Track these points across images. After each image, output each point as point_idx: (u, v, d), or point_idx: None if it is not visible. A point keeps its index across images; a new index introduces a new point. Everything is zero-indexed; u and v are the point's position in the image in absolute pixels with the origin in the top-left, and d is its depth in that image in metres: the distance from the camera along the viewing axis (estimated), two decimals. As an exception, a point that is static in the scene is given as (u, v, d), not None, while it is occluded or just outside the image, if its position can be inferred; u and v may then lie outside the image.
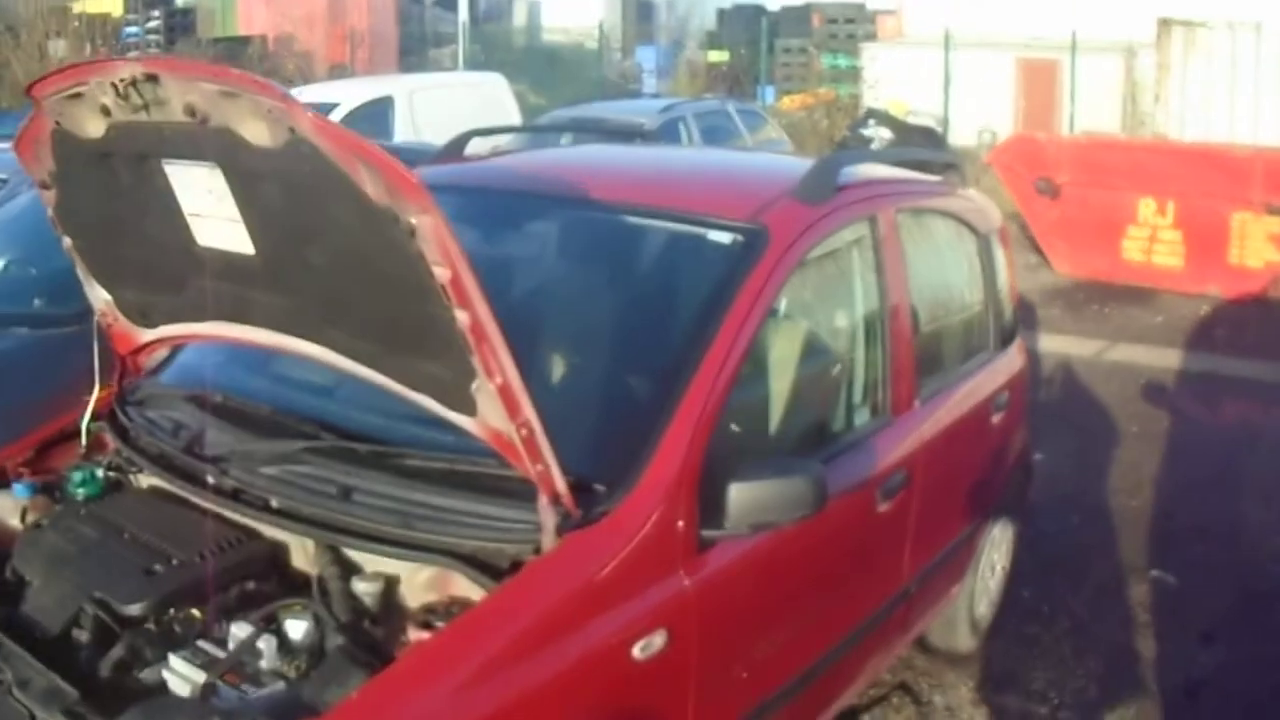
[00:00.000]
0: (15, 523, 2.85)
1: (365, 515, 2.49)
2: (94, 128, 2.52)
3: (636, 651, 2.43)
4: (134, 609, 2.42)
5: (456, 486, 2.48)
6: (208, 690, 2.20)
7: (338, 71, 23.69)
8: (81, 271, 3.02)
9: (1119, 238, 10.73)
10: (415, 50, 27.55)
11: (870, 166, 4.11)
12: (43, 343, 4.43)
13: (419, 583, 2.46)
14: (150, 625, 2.40)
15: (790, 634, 3.02)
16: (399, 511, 2.47)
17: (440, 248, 2.13)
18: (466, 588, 2.39)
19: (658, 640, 2.47)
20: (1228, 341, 8.95)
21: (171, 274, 2.78)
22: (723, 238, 3.09)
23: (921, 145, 13.42)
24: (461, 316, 2.18)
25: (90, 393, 3.11)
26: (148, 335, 3.08)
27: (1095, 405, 7.31)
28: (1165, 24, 12.83)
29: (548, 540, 2.34)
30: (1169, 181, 10.38)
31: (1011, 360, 4.43)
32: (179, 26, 26.19)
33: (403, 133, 10.89)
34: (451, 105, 10.93)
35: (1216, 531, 5.29)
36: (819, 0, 29.24)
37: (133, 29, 25.83)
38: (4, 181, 6.16)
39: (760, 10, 36.31)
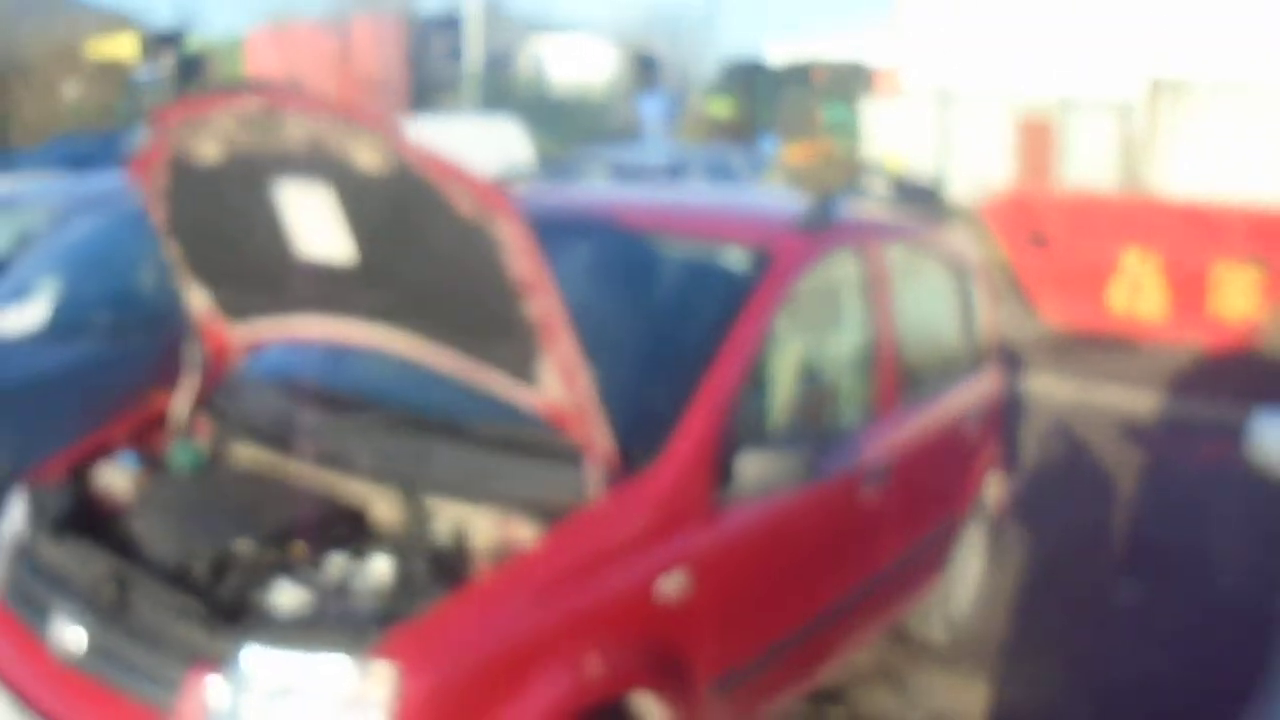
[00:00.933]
0: (124, 487, 3.30)
1: (440, 473, 2.97)
2: (212, 151, 2.98)
3: (664, 587, 2.92)
4: (245, 546, 2.88)
5: (514, 450, 2.97)
6: (318, 603, 2.65)
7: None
8: (182, 276, 3.47)
9: (1104, 288, 11.12)
10: (424, 97, 28.12)
11: (864, 207, 4.59)
12: (106, 352, 4.90)
13: (484, 527, 2.92)
14: (259, 559, 2.85)
15: (787, 595, 3.48)
16: (467, 470, 2.96)
17: (518, 252, 2.61)
18: (524, 531, 2.86)
19: (680, 579, 2.96)
20: (1204, 387, 9.34)
21: (270, 277, 3.24)
22: (735, 259, 3.65)
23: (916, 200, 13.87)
24: (534, 308, 2.67)
25: (181, 383, 3.59)
26: (239, 331, 3.54)
27: (1075, 440, 7.71)
28: (1156, 84, 13.33)
29: (593, 493, 2.83)
30: (1153, 234, 10.80)
31: (986, 382, 4.92)
32: (191, 71, 26.72)
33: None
34: (465, 143, 11.48)
35: (1182, 556, 5.69)
36: (820, 55, 30.16)
37: (145, 72, 26.38)
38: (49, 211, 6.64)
39: (760, 64, 37.22)
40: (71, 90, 25.69)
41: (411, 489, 3.00)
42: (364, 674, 2.41)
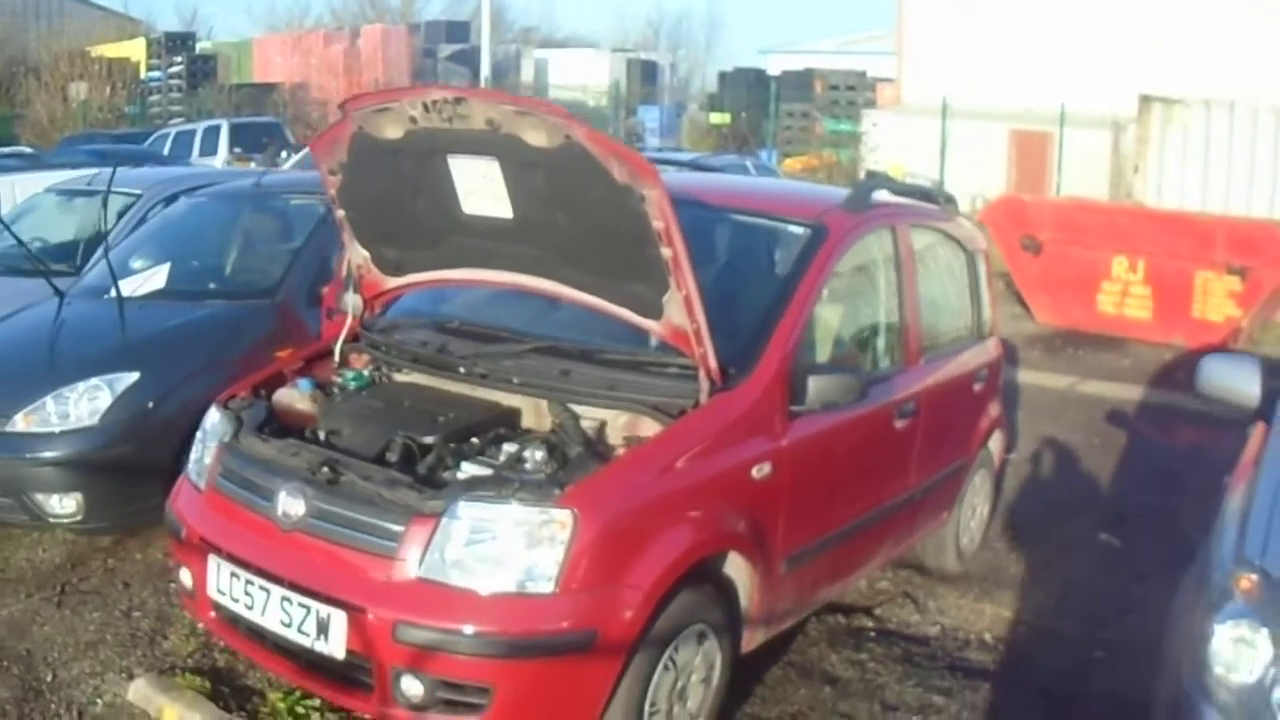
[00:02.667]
0: (304, 407, 4.07)
1: (582, 385, 3.77)
2: (393, 131, 3.77)
3: (754, 473, 3.76)
4: (430, 439, 3.66)
5: (639, 368, 3.82)
6: (501, 470, 3.47)
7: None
8: (347, 236, 4.26)
9: (1094, 291, 11.84)
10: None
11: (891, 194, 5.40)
12: (232, 310, 5.70)
13: (619, 425, 3.77)
14: (443, 449, 3.62)
15: (839, 494, 4.31)
16: (602, 382, 3.77)
17: (659, 209, 3.40)
18: (649, 427, 3.66)
19: (766, 468, 3.79)
20: (1185, 382, 9.96)
21: (431, 235, 4.04)
22: (799, 230, 4.46)
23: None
24: (667, 252, 3.48)
25: (346, 319, 4.40)
26: (392, 282, 4.35)
27: (1066, 424, 8.43)
28: (1146, 100, 14.04)
29: (703, 398, 3.64)
30: (1140, 242, 11.52)
31: (990, 348, 5.73)
32: (200, 72, 27.32)
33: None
34: None
35: (1156, 515, 6.39)
36: (820, 66, 30.73)
37: (155, 74, 26.98)
38: (138, 196, 7.40)
39: (761, 74, 37.84)
40: (80, 90, 26.29)
41: (561, 397, 3.79)
42: (549, 518, 3.20)
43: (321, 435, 3.87)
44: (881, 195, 5.01)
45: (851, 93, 26.76)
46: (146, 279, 5.80)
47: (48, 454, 4.86)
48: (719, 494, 3.66)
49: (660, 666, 3.46)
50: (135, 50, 27.78)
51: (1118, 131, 18.13)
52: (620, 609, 3.27)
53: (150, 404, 5.01)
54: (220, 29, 37.79)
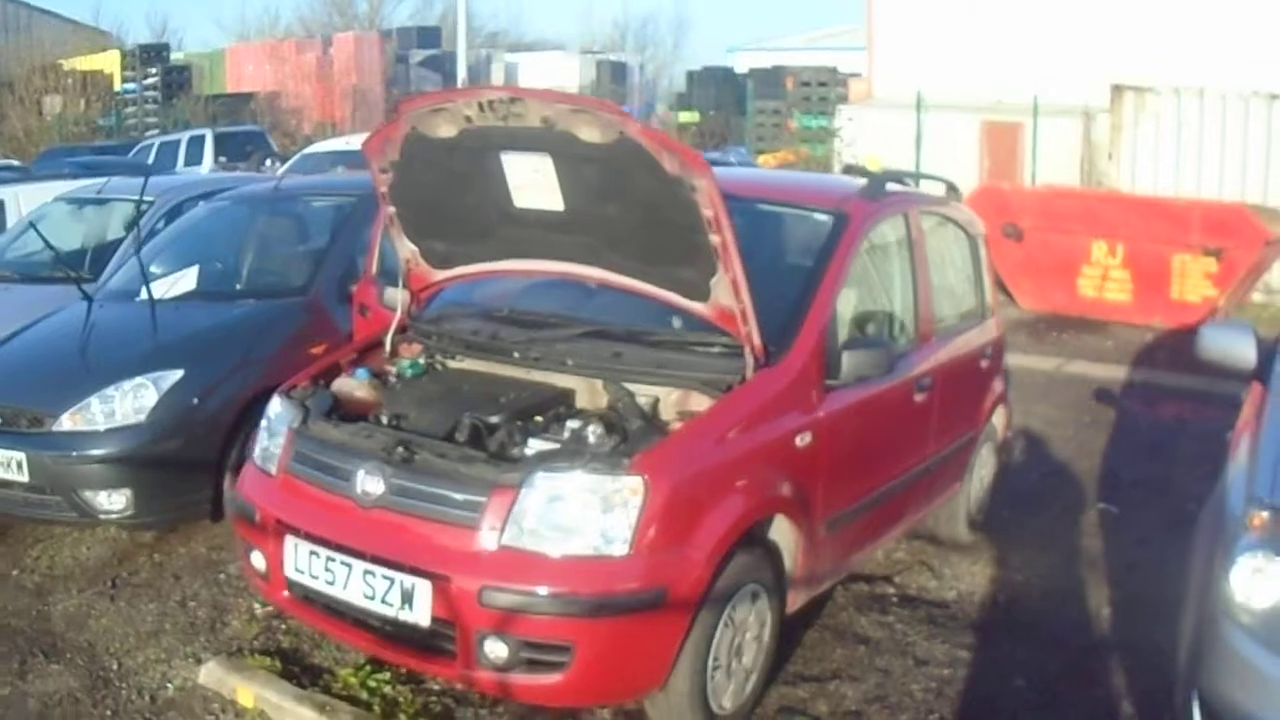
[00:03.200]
0: (363, 394, 4.26)
1: (635, 365, 4.00)
2: (447, 130, 3.96)
3: (797, 442, 4.01)
4: (496, 418, 3.87)
5: (687, 348, 4.06)
6: (568, 445, 3.70)
7: (324, 129, 24.89)
8: (396, 232, 4.45)
9: (1075, 276, 12.13)
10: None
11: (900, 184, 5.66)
12: (265, 309, 5.87)
13: (670, 401, 4.00)
14: (511, 426, 3.83)
15: (870, 462, 4.56)
16: (653, 362, 3.99)
17: (710, 197, 3.62)
18: (700, 402, 3.90)
19: (807, 438, 4.03)
20: (1166, 360, 10.36)
21: (481, 228, 4.24)
22: (823, 218, 4.70)
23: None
24: (715, 238, 3.69)
25: (394, 315, 4.61)
26: (440, 275, 4.55)
27: (1056, 403, 8.70)
28: (1118, 89, 14.31)
29: (749, 374, 3.86)
30: (1119, 227, 11.84)
31: (991, 327, 5.98)
32: (175, 83, 27.21)
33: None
34: None
35: (1150, 483, 6.67)
36: (788, 63, 31.02)
37: (131, 86, 26.91)
38: (151, 202, 7.56)
39: (729, 72, 38.12)
40: (55, 104, 26.22)
41: (615, 376, 4.01)
42: (621, 485, 3.43)
43: (384, 420, 4.06)
44: (895, 184, 5.28)
45: (823, 89, 27.00)
46: (176, 281, 5.95)
47: (97, 451, 5.01)
48: (768, 462, 3.90)
49: (721, 623, 3.69)
50: (109, 63, 27.69)
51: (1088, 121, 18.41)
52: (687, 569, 3.50)
53: (194, 400, 5.17)
54: (191, 39, 37.76)
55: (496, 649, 3.42)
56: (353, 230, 6.12)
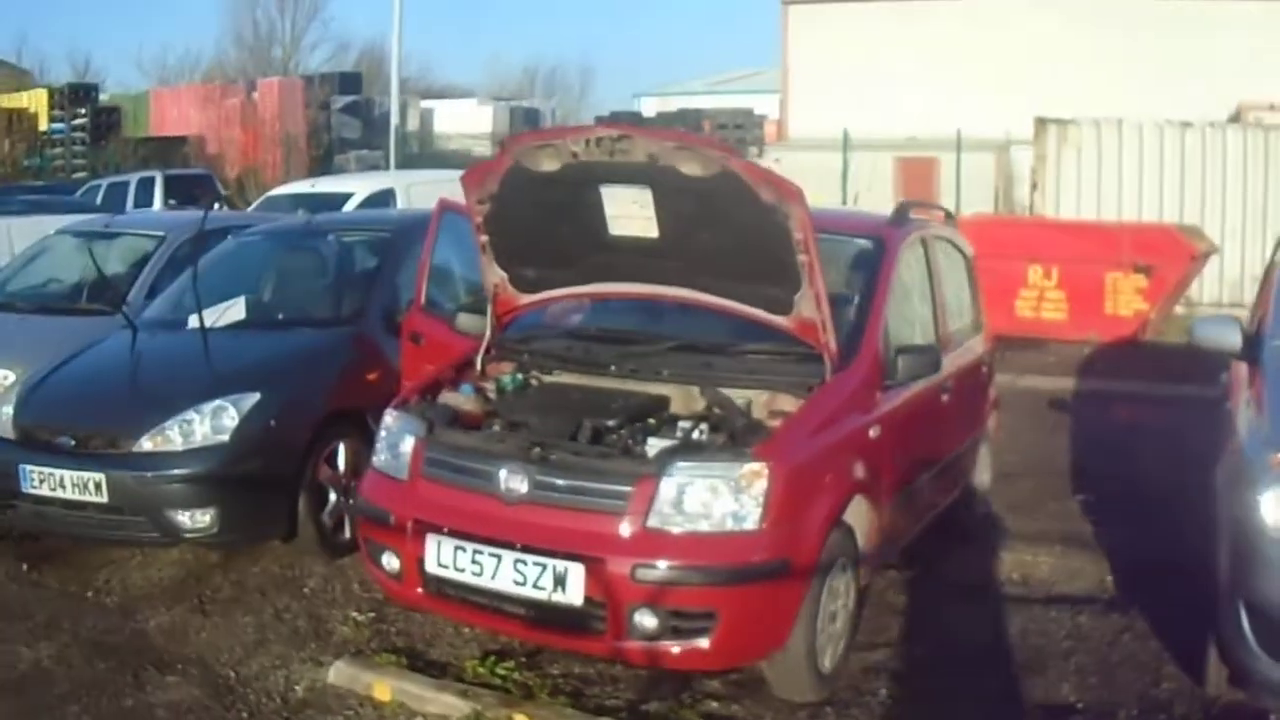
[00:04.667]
0: (470, 407, 4.59)
1: (728, 371, 4.45)
2: (550, 165, 4.32)
3: (870, 434, 4.48)
4: (613, 421, 4.23)
5: (772, 356, 4.48)
6: (690, 438, 4.09)
7: (253, 174, 24.73)
8: (486, 259, 4.78)
9: (1013, 299, 12.77)
10: (327, 153, 28.62)
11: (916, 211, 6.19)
12: (320, 338, 6.10)
13: (761, 402, 4.41)
14: (630, 428, 4.20)
15: (918, 448, 5.06)
16: (744, 368, 4.44)
17: (800, 222, 4.04)
18: (788, 402, 4.32)
19: (877, 429, 4.53)
20: (1107, 370, 11.11)
21: (573, 255, 4.61)
22: (865, 243, 5.22)
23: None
24: (803, 258, 4.11)
25: (481, 338, 4.92)
26: (526, 299, 4.89)
27: (1017, 413, 9.21)
28: (1042, 122, 15.19)
29: (828, 376, 4.29)
30: (1053, 251, 12.58)
31: (984, 339, 6.55)
32: (105, 124, 26.77)
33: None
34: (437, 194, 12.72)
35: (1117, 477, 7.26)
36: (691, 107, 31.74)
37: (59, 126, 26.44)
38: (162, 238, 7.73)
39: (636, 116, 38.71)
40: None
41: (712, 383, 4.43)
42: (749, 470, 3.83)
43: (498, 428, 4.38)
44: (912, 213, 5.84)
45: (740, 130, 27.74)
46: (225, 311, 6.13)
47: (182, 471, 5.18)
48: (851, 451, 4.35)
49: (825, 591, 4.11)
50: (33, 101, 27.09)
51: (1000, 153, 19.40)
52: (804, 541, 3.94)
53: (271, 422, 5.37)
54: (111, 81, 37.15)
55: (646, 620, 3.78)
56: (394, 263, 6.39)
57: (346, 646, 4.65)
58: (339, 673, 4.34)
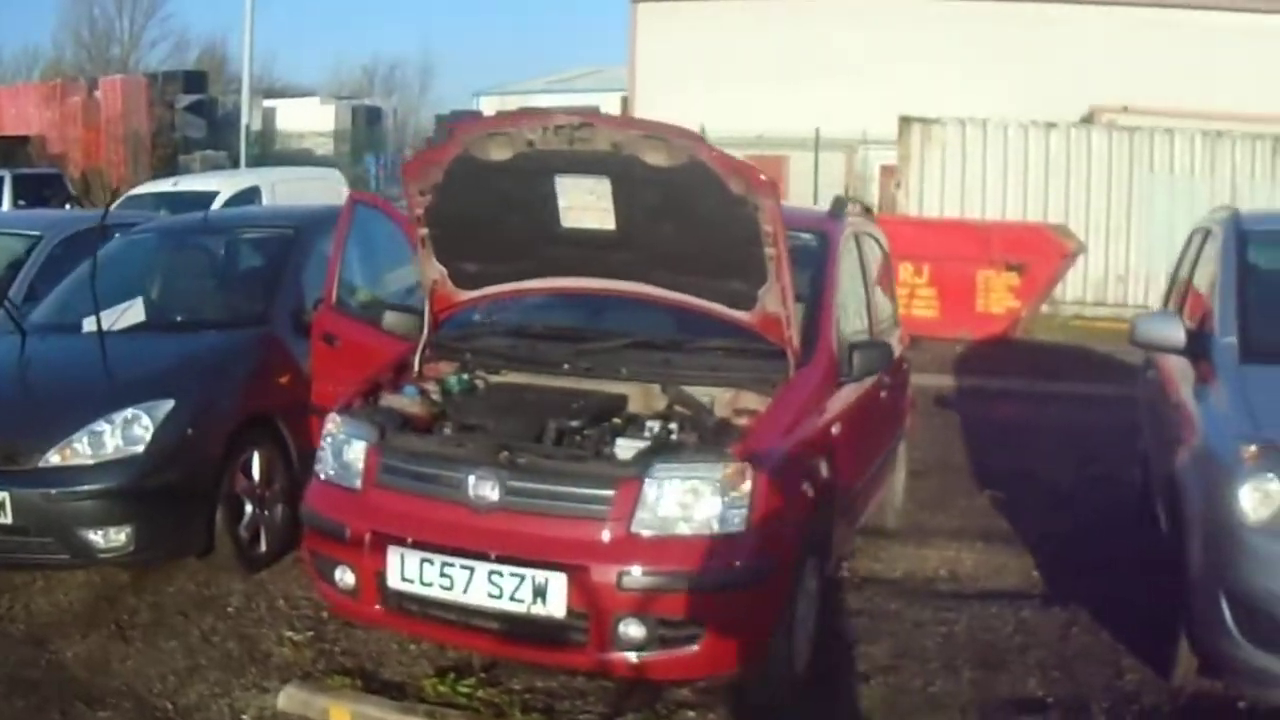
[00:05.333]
0: (415, 410, 4.33)
1: (689, 369, 4.30)
2: (500, 154, 4.11)
3: (833, 430, 4.47)
4: (576, 422, 4.04)
5: (731, 353, 4.34)
6: (657, 441, 3.90)
7: (97, 174, 23.63)
8: (424, 254, 4.53)
9: (884, 297, 13.02)
10: (172, 152, 27.54)
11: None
12: (227, 339, 5.73)
13: (724, 400, 4.27)
14: (595, 428, 4.01)
15: (863, 449, 5.05)
16: (705, 365, 4.28)
17: (770, 215, 3.92)
18: (752, 400, 4.20)
19: (838, 426, 4.51)
20: (983, 367, 11.41)
21: (519, 248, 4.39)
22: (810, 238, 5.10)
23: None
24: (771, 251, 3.99)
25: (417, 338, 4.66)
26: (464, 296, 4.65)
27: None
28: (906, 121, 15.55)
29: (790, 373, 4.19)
30: (924, 248, 12.79)
31: (901, 334, 6.59)
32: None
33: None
34: (301, 191, 12.75)
35: (1017, 471, 7.50)
36: (550, 105, 31.51)
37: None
38: (39, 237, 7.25)
39: (477, 115, 38.26)
40: None
41: (672, 380, 4.28)
42: (732, 471, 3.71)
43: (449, 430, 4.16)
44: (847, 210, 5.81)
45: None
46: (123, 313, 5.73)
47: (95, 486, 4.78)
48: (819, 448, 4.29)
49: (800, 591, 4.05)
50: None
51: (849, 153, 19.85)
52: (786, 542, 3.86)
53: (189, 430, 5.02)
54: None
55: (633, 630, 3.63)
56: (299, 260, 6.08)
57: (290, 669, 4.36)
58: (290, 698, 4.05)
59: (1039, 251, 12.34)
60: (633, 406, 4.36)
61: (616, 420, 4.16)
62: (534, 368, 4.48)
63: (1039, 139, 14.84)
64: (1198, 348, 4.85)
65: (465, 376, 4.55)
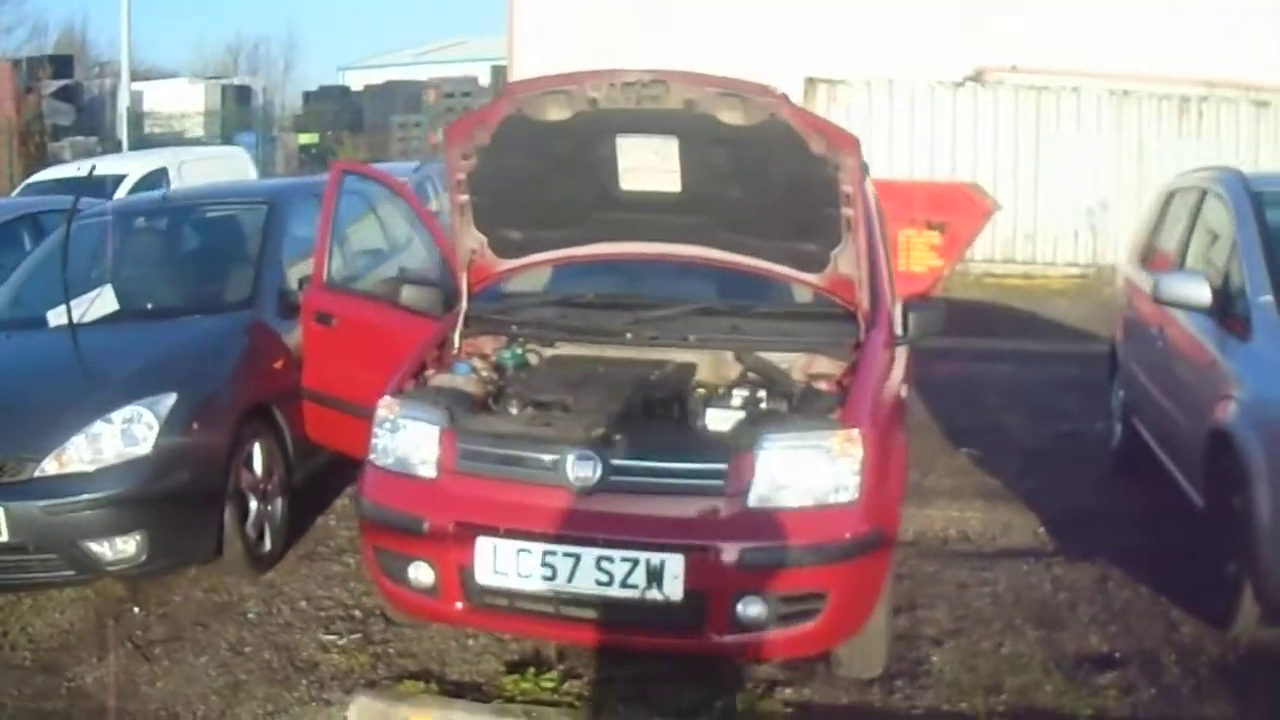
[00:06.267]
0: (471, 389, 4.07)
1: (760, 334, 4.12)
2: (558, 113, 3.84)
3: (902, 393, 4.44)
4: (662, 394, 3.85)
5: (790, 317, 4.23)
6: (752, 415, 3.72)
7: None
8: (463, 221, 4.24)
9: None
10: (40, 142, 25.97)
11: None
12: (215, 324, 5.35)
13: (799, 365, 4.12)
14: (690, 400, 3.82)
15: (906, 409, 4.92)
16: (776, 330, 4.13)
17: (851, 175, 3.75)
18: (826, 364, 4.08)
19: (906, 389, 4.42)
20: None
21: (570, 213, 4.15)
22: None
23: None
24: (849, 212, 3.83)
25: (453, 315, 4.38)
26: (505, 265, 4.37)
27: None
28: (811, 82, 15.48)
29: (862, 335, 4.05)
30: (843, 210, 12.85)
31: None
32: None
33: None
34: (209, 171, 12.34)
35: (988, 428, 7.59)
36: (398, 79, 30.87)
37: None
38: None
39: (344, 90, 37.35)
40: None
41: (744, 347, 4.10)
42: (842, 438, 3.55)
43: (513, 409, 3.91)
44: None
45: (467, 99, 27.12)
46: (92, 303, 5.26)
47: (98, 494, 4.36)
48: (898, 410, 4.20)
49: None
50: None
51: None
52: (892, 508, 3.76)
53: (194, 425, 4.63)
54: None
55: (753, 609, 3.45)
56: (278, 237, 5.68)
57: (348, 677, 4.04)
58: (362, 710, 3.72)
59: (960, 210, 12.46)
60: (702, 375, 4.17)
61: (701, 390, 3.96)
62: (592, 338, 4.23)
63: (945, 98, 14.99)
64: (1227, 306, 4.88)
65: (519, 350, 4.29)
